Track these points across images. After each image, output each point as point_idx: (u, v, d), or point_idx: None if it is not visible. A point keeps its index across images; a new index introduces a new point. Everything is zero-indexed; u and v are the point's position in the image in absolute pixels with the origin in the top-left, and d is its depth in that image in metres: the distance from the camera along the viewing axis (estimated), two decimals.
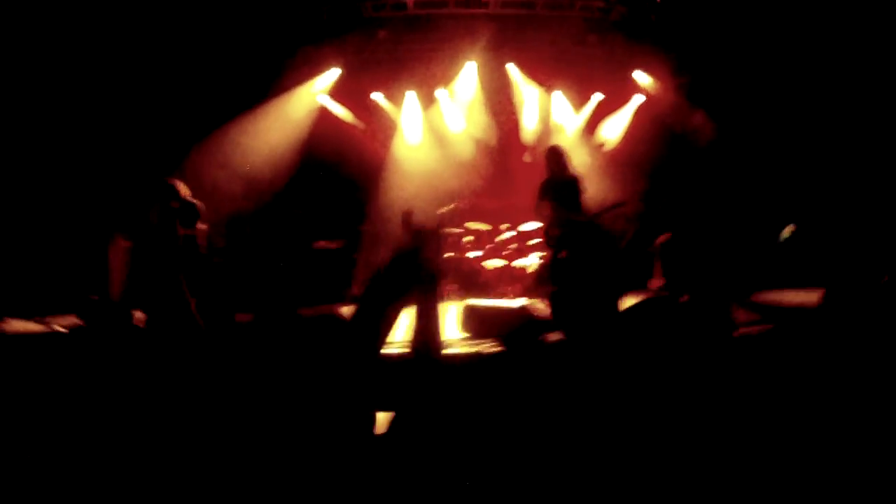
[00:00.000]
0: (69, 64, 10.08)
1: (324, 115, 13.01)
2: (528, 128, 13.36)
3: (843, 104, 11.12)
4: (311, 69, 12.46)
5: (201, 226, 9.74)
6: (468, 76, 13.08)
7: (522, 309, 7.62)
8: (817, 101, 11.30)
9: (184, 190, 8.71)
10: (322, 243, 11.05)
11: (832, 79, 11.14)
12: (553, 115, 13.48)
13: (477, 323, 7.20)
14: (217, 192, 10.95)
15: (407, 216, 10.95)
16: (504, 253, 11.35)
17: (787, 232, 11.73)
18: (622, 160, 13.05)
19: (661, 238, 10.49)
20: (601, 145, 13.33)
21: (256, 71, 11.74)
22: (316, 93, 12.81)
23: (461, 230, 11.68)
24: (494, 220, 11.95)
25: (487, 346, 6.05)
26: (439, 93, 13.29)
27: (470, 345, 6.70)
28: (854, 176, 10.27)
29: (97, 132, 10.43)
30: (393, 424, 2.55)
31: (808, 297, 8.79)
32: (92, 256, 10.26)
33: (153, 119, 10.92)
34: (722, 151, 12.08)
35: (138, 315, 6.76)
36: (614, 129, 13.55)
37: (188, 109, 11.15)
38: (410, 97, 13.26)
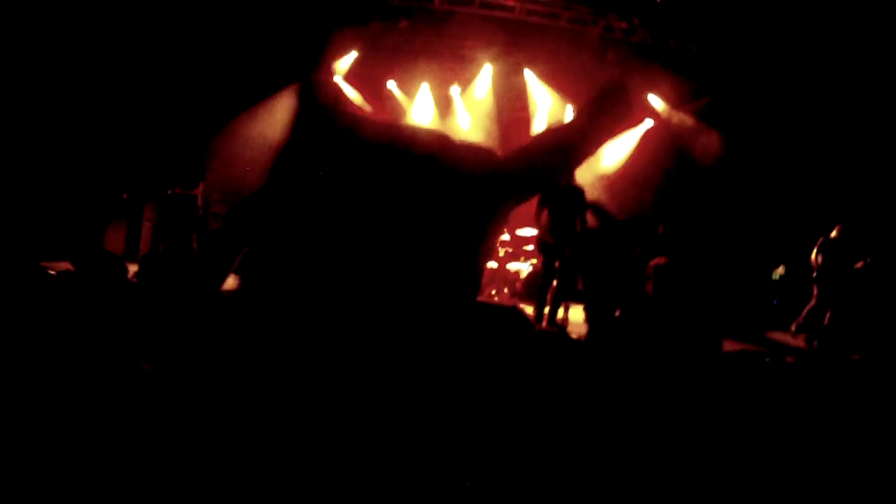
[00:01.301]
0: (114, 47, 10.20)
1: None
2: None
3: (862, 131, 11.20)
4: (332, 50, 12.44)
5: (201, 187, 9.84)
6: (484, 77, 13.09)
7: (512, 310, 7.62)
8: (834, 128, 11.38)
9: None
10: None
11: (849, 107, 11.22)
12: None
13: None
14: (237, 167, 11.03)
15: None
16: (498, 255, 11.35)
17: (778, 272, 11.84)
18: (625, 181, 13.11)
19: (656, 261, 10.51)
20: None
21: (283, 51, 11.76)
22: (336, 80, 12.82)
23: None
24: None
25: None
26: (453, 90, 13.30)
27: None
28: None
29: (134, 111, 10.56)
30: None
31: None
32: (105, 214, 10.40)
33: (186, 98, 11.04)
34: (730, 178, 12.16)
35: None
36: (621, 149, 13.60)
37: (220, 87, 11.26)
38: (424, 90, 13.26)
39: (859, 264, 9.13)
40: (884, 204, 10.66)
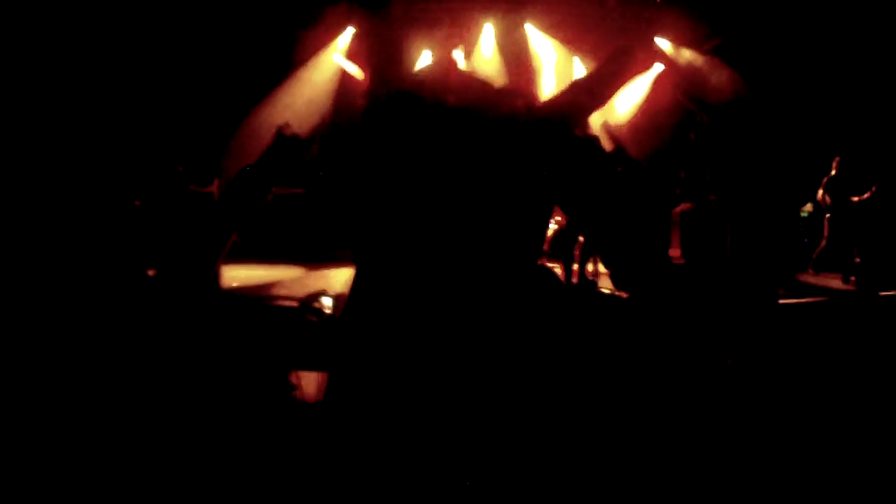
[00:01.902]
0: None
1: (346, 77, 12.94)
2: (546, 91, 13.12)
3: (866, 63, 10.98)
4: (326, 29, 12.27)
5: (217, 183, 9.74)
6: (485, 37, 12.85)
7: (540, 268, 7.51)
8: (840, 62, 11.15)
9: None
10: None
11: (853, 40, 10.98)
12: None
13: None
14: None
15: None
16: None
17: (807, 209, 11.61)
18: (639, 130, 12.85)
19: (681, 207, 10.33)
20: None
21: (276, 32, 11.61)
22: (336, 58, 12.68)
23: None
24: None
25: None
26: (456, 53, 13.07)
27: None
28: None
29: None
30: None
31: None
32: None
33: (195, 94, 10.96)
34: (748, 120, 11.92)
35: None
36: (632, 96, 13.32)
37: (223, 80, 11.18)
38: (426, 57, 13.04)
39: (866, 195, 9.07)
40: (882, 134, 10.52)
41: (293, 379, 2.09)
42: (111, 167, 10.19)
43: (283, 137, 1.96)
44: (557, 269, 8.26)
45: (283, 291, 7.42)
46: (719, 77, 12.39)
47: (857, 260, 9.07)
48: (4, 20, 9.20)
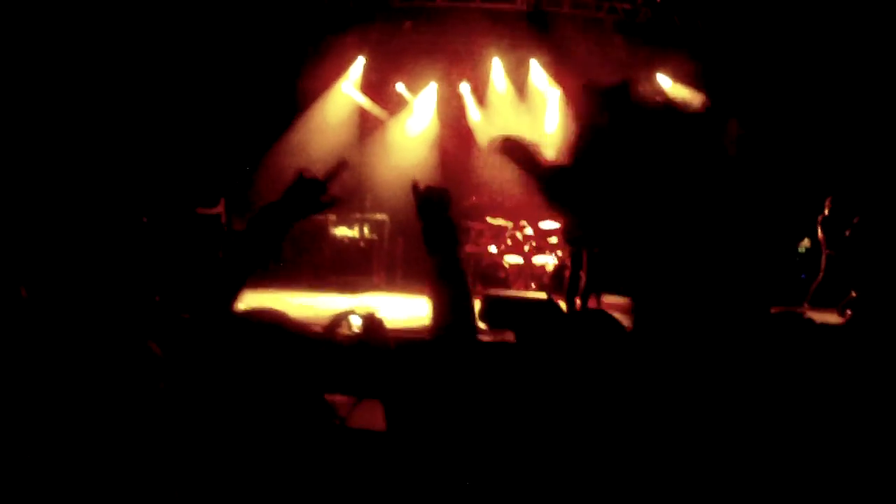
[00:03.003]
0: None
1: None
2: (549, 129, 13.30)
3: (869, 111, 11.15)
4: (335, 59, 12.45)
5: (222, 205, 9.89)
6: (492, 72, 13.05)
7: (545, 301, 7.63)
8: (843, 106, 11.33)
9: None
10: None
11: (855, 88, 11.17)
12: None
13: (498, 314, 7.19)
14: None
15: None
16: (524, 250, 11.31)
17: (804, 245, 11.78)
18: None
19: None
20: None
21: (283, 61, 11.81)
22: (345, 88, 12.88)
23: (481, 225, 11.66)
24: (514, 216, 11.91)
25: (512, 336, 6.01)
26: (463, 86, 13.28)
27: (492, 334, 6.71)
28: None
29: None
30: (402, 416, 2.46)
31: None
32: None
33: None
34: (744, 153, 12.06)
35: None
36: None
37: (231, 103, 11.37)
38: (431, 89, 13.22)
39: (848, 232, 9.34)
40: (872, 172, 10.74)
41: (334, 405, 2.18)
42: (122, 185, 10.34)
43: (304, 179, 2.20)
44: (561, 301, 8.36)
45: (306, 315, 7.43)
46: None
47: (853, 294, 9.21)
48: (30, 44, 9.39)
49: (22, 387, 1.86)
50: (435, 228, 2.08)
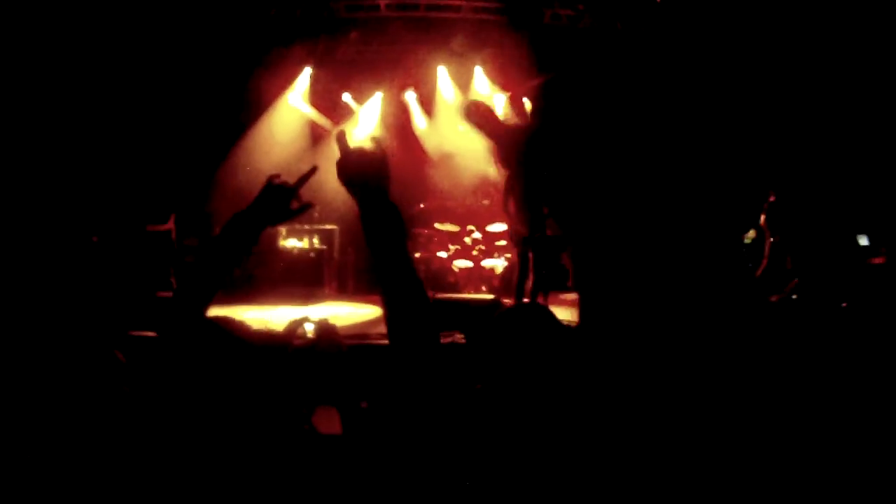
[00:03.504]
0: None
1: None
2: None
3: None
4: (282, 71, 12.47)
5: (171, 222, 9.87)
6: (437, 79, 13.20)
7: (492, 301, 7.77)
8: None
9: None
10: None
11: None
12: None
13: (445, 316, 7.34)
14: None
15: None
16: (472, 254, 11.46)
17: (749, 236, 12.16)
18: None
19: None
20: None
21: (230, 74, 11.79)
22: (292, 100, 12.89)
23: (429, 231, 11.79)
24: (462, 221, 12.06)
25: (460, 336, 6.19)
26: (408, 95, 13.40)
27: (441, 336, 6.83)
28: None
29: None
30: (358, 419, 2.54)
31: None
32: None
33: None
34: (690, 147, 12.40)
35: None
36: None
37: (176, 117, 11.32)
38: (377, 98, 13.32)
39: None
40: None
41: (304, 412, 2.26)
42: (70, 204, 10.23)
43: (272, 186, 2.26)
44: (508, 301, 8.50)
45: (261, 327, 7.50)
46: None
47: (795, 280, 9.50)
48: None
49: None
50: (374, 214, 1.81)
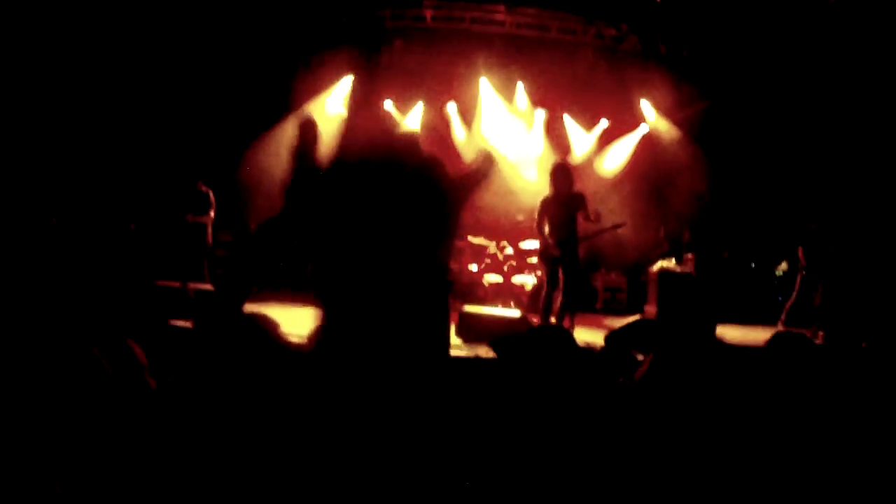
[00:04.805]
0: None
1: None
2: (534, 149, 13.51)
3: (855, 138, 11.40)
4: (325, 75, 12.58)
5: (211, 214, 10.04)
6: (479, 92, 13.25)
7: (519, 319, 7.76)
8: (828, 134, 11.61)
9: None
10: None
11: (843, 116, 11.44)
12: (560, 137, 13.69)
13: (473, 329, 7.38)
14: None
15: None
16: (503, 269, 11.46)
17: (781, 268, 12.09)
18: (625, 186, 13.28)
19: (661, 267, 10.66)
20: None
21: (275, 74, 11.93)
22: (330, 105, 12.96)
23: (462, 243, 11.81)
24: (495, 235, 12.07)
25: (484, 351, 6.22)
26: (450, 106, 13.45)
27: (466, 349, 6.90)
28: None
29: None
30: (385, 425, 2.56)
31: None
32: None
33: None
34: (726, 180, 12.43)
35: None
36: (618, 156, 13.77)
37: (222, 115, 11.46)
38: (418, 108, 13.37)
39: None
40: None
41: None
42: (111, 195, 10.46)
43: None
44: (535, 319, 8.49)
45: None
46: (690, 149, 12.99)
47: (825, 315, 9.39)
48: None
49: None
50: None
